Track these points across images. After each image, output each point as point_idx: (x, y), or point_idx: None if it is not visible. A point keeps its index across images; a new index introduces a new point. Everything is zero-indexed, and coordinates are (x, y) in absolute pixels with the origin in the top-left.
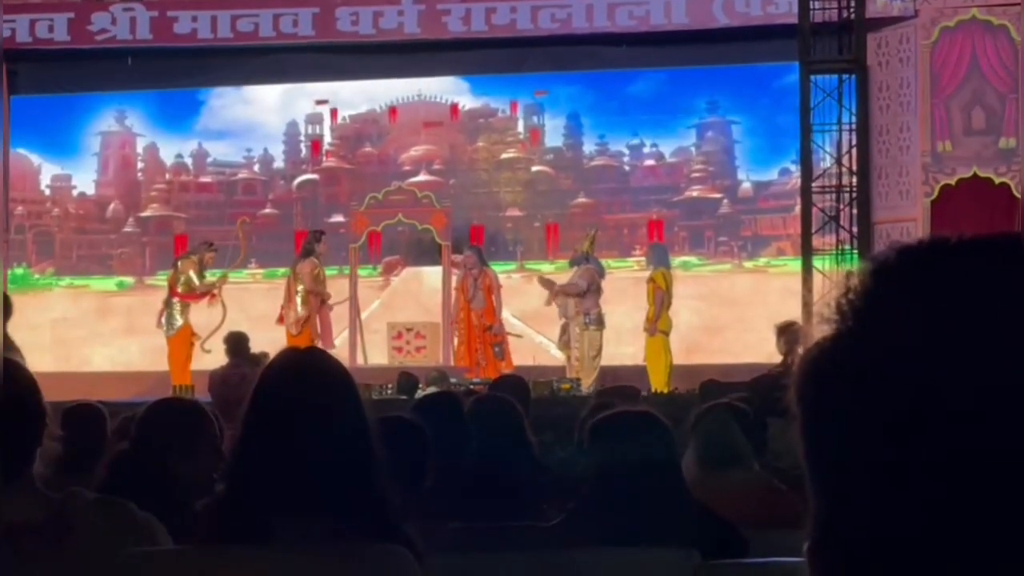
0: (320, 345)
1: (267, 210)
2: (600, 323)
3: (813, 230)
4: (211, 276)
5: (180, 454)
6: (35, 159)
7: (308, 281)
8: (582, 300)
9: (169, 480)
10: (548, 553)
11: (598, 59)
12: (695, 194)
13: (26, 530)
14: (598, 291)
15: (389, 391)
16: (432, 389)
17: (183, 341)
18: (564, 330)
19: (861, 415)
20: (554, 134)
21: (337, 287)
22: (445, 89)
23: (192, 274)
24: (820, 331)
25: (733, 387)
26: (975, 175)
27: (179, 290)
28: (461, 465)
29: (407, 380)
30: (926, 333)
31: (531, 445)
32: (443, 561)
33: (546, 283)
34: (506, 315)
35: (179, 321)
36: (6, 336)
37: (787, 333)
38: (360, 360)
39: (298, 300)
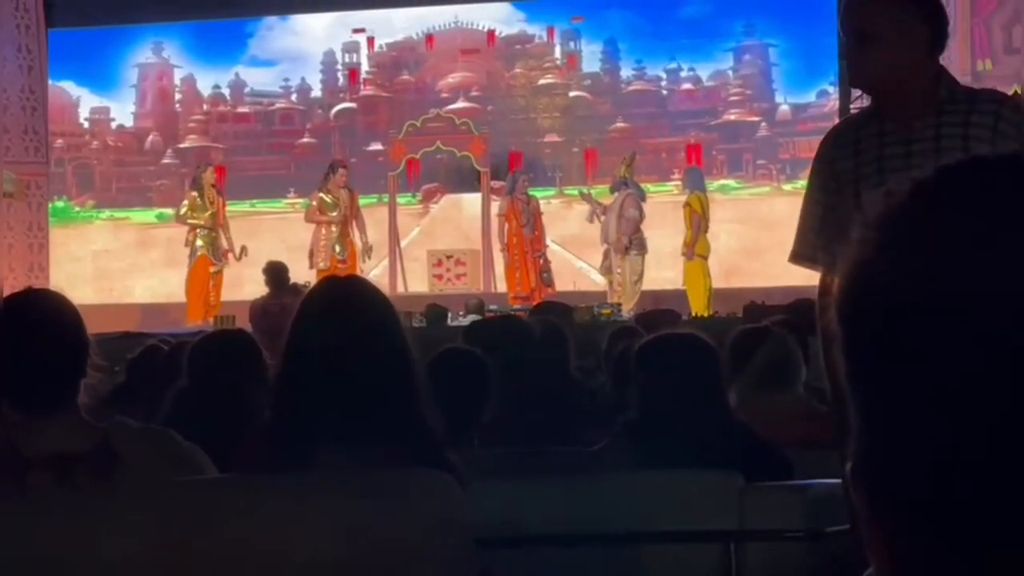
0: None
1: (305, 139)
2: (642, 248)
3: None
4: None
5: (235, 385)
6: (74, 92)
7: (309, 212)
8: (627, 225)
9: (232, 411)
10: (592, 477)
11: None
12: (733, 117)
13: (73, 460)
14: (641, 215)
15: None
16: (472, 316)
17: (199, 271)
18: (606, 255)
19: (902, 334)
20: (591, 59)
21: (376, 215)
22: (482, 16)
23: (190, 202)
24: (861, 251)
25: (775, 310)
26: (1016, 93)
27: (186, 220)
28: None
29: (435, 311)
30: (967, 250)
31: (570, 370)
32: (486, 487)
33: (589, 199)
34: (547, 241)
35: (198, 251)
36: None
37: None
38: (400, 288)
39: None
